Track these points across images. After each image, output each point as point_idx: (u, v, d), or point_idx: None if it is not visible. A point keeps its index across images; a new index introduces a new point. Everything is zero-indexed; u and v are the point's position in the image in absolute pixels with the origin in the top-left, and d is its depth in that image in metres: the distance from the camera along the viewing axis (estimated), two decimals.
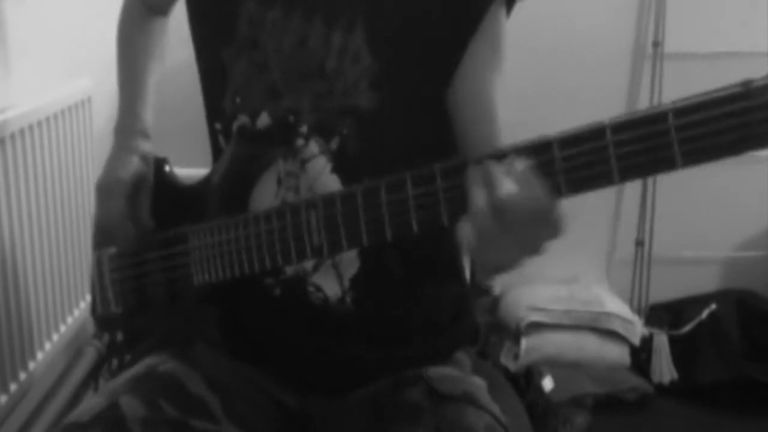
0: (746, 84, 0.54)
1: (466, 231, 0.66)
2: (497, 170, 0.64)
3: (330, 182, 0.92)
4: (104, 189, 1.04)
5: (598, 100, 2.26)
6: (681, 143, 0.56)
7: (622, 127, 0.60)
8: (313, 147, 0.93)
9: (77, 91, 1.60)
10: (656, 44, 2.32)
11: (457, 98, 0.94)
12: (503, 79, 0.96)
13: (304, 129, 0.93)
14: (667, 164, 0.58)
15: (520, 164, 0.63)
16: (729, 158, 0.56)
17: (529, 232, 0.65)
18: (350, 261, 0.95)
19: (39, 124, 1.42)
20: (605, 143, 0.60)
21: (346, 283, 0.96)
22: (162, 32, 1.17)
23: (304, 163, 0.93)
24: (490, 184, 0.64)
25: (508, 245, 0.65)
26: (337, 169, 0.93)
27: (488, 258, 0.69)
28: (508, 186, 0.63)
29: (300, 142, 0.93)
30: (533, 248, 0.67)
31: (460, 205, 0.66)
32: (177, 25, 1.17)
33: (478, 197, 0.64)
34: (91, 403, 0.90)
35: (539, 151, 0.63)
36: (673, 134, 0.56)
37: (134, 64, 1.12)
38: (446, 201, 0.67)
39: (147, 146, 1.07)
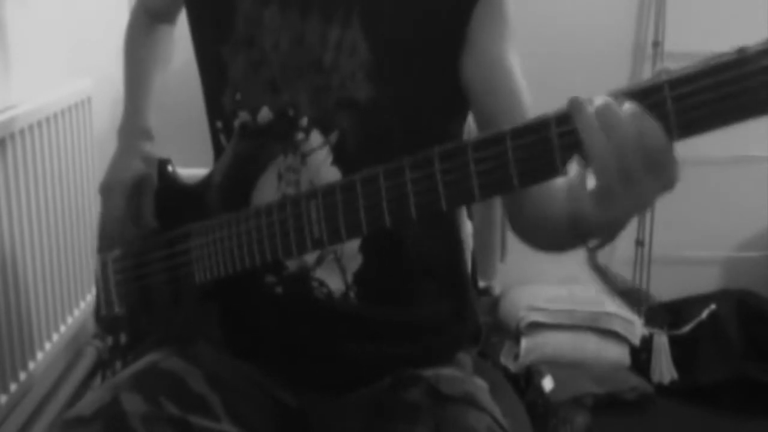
0: (741, 51, 0.53)
1: (583, 183, 0.60)
2: (616, 110, 0.57)
3: (330, 175, 0.93)
4: (106, 191, 1.05)
5: None
6: (677, 114, 0.55)
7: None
8: (314, 140, 0.93)
9: (77, 91, 1.60)
10: (656, 44, 2.32)
11: (471, 76, 0.93)
12: (517, 51, 0.93)
13: (304, 122, 0.93)
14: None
15: (631, 106, 0.57)
16: (728, 127, 0.55)
17: (650, 180, 0.58)
18: (352, 255, 0.96)
19: (39, 124, 1.42)
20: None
21: (350, 278, 0.96)
22: (168, 39, 1.19)
23: (304, 157, 0.93)
24: (609, 127, 0.57)
25: (626, 198, 0.59)
26: (337, 162, 0.93)
27: (605, 215, 0.61)
28: (630, 128, 0.56)
29: (300, 135, 0.93)
30: (649, 201, 0.60)
31: (457, 189, 0.65)
32: (177, 25, 1.18)
33: (599, 143, 0.57)
34: (93, 398, 0.90)
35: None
36: (669, 105, 0.56)
37: (139, 68, 1.14)
38: (444, 185, 0.65)
39: (150, 147, 1.08)
